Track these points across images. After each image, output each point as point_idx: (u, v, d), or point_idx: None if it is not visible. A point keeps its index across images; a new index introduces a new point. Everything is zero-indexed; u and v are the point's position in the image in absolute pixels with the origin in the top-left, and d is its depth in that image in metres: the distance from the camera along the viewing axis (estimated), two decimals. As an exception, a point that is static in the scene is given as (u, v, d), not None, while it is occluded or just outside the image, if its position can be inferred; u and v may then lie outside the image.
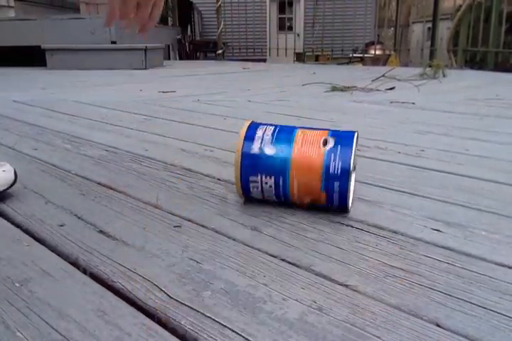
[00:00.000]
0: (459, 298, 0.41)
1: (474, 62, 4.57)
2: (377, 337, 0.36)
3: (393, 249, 0.51)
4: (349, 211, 0.61)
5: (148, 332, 0.37)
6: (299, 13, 8.29)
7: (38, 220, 0.59)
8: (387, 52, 6.31)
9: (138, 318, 0.39)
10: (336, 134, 0.61)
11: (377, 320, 0.38)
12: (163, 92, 1.92)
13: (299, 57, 6.03)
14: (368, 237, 0.54)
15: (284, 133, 0.61)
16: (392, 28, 7.04)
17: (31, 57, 3.41)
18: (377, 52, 5.75)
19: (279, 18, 7.86)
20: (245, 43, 6.24)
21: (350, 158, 0.58)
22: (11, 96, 1.77)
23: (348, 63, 5.78)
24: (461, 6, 4.72)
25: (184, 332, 0.37)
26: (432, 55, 4.77)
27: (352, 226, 0.57)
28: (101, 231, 0.55)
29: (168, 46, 5.46)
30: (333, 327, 0.37)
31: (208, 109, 1.49)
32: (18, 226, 0.57)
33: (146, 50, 3.38)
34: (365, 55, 5.95)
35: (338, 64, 5.19)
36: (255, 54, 6.09)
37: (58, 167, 0.82)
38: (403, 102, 1.63)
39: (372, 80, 2.29)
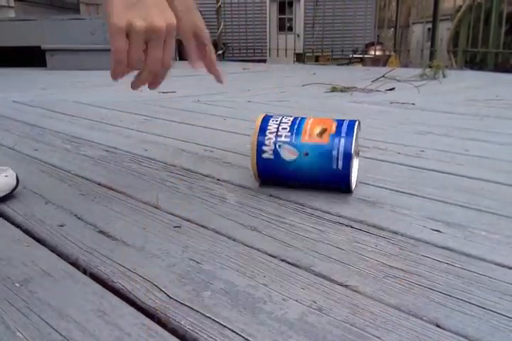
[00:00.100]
0: (458, 298, 0.41)
1: (474, 62, 4.57)
2: (377, 337, 0.36)
3: (393, 249, 0.51)
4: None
5: (148, 332, 0.37)
6: (299, 14, 8.30)
7: (38, 220, 0.59)
8: (387, 52, 6.31)
9: (138, 318, 0.39)
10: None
11: (377, 321, 0.38)
12: (163, 93, 1.92)
13: (299, 58, 6.03)
14: (368, 237, 0.54)
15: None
16: (392, 29, 7.04)
17: (31, 57, 3.41)
18: (377, 53, 5.75)
19: (279, 19, 7.87)
20: (245, 44, 6.25)
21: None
22: (10, 97, 1.77)
23: (348, 64, 5.79)
24: (461, 6, 4.73)
25: (184, 332, 0.37)
26: (432, 55, 4.77)
27: (352, 227, 0.57)
28: (101, 232, 0.55)
29: (168, 46, 5.46)
30: (333, 327, 0.37)
31: (208, 110, 1.49)
32: (18, 226, 0.57)
33: (146, 50, 3.38)
34: (365, 56, 5.96)
35: (338, 64, 5.19)
36: (255, 54, 6.09)
37: (58, 167, 0.82)
38: (403, 103, 1.63)
39: (372, 81, 2.30)
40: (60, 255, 0.50)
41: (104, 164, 0.85)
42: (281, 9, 7.69)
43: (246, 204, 0.64)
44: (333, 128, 0.67)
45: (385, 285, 0.44)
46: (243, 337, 0.36)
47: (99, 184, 0.73)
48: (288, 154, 0.67)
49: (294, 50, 6.15)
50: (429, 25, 5.40)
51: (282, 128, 0.68)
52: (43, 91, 2.07)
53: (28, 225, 0.57)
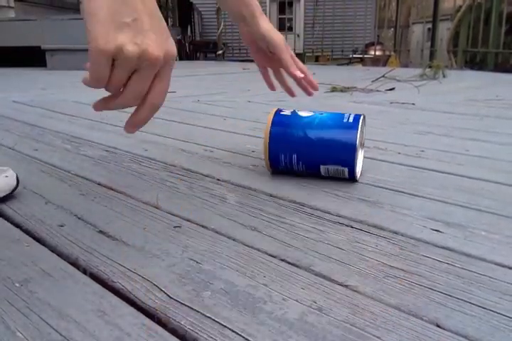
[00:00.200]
0: (458, 298, 0.41)
1: (474, 62, 4.58)
2: (377, 337, 0.36)
3: (393, 249, 0.51)
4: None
5: (148, 332, 0.37)
6: (299, 14, 8.30)
7: (37, 220, 0.59)
8: (387, 52, 6.32)
9: (138, 318, 0.39)
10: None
11: (377, 321, 0.38)
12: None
13: (299, 58, 6.01)
14: (368, 237, 0.54)
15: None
16: (392, 29, 7.04)
17: (31, 57, 3.42)
18: (377, 53, 5.75)
19: (279, 19, 7.86)
20: (245, 44, 6.24)
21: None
22: (11, 97, 1.77)
23: (348, 64, 5.79)
24: (461, 6, 4.73)
25: (184, 332, 0.37)
26: (432, 55, 4.78)
27: (352, 227, 0.57)
28: (101, 232, 0.55)
29: (168, 46, 5.46)
30: (333, 327, 0.37)
31: (208, 110, 1.49)
32: (18, 226, 0.57)
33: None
34: (365, 56, 5.96)
35: (338, 64, 5.19)
36: (255, 54, 6.09)
37: (58, 167, 0.82)
38: (403, 103, 1.63)
39: (372, 81, 2.30)
40: (60, 255, 0.50)
41: (104, 164, 0.85)
42: (281, 9, 7.68)
43: (246, 204, 0.64)
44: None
45: (386, 285, 0.44)
46: (243, 337, 0.36)
47: (99, 184, 0.73)
48: (305, 113, 0.75)
49: (294, 49, 6.13)
50: (429, 25, 5.40)
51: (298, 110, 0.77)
52: (43, 91, 2.07)
53: (28, 225, 0.57)
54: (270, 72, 0.91)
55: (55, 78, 2.82)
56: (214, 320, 0.38)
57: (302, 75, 0.82)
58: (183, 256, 0.49)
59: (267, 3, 7.85)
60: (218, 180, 0.75)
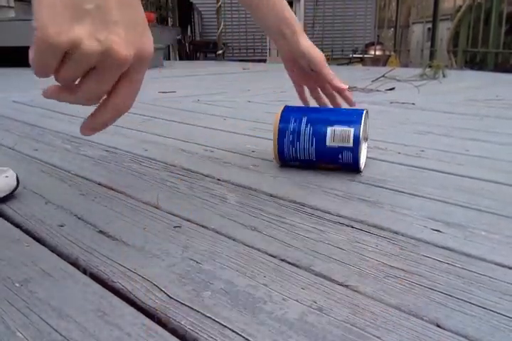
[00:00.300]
0: (458, 298, 0.41)
1: (474, 62, 4.58)
2: (378, 337, 0.36)
3: (393, 249, 0.51)
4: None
5: (148, 332, 0.37)
6: (299, 14, 8.28)
7: (38, 220, 0.59)
8: (387, 52, 6.31)
9: (138, 318, 0.39)
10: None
11: (377, 321, 0.38)
12: (163, 93, 1.92)
13: (299, 58, 6.01)
14: (368, 237, 0.54)
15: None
16: (392, 29, 7.04)
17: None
18: (377, 53, 5.75)
19: (279, 19, 7.84)
20: (245, 44, 6.25)
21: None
22: (10, 97, 1.77)
23: (348, 64, 5.79)
24: (461, 6, 4.73)
25: (184, 332, 0.37)
26: (432, 55, 4.78)
27: (352, 227, 0.57)
28: (101, 232, 0.55)
29: (168, 46, 5.46)
30: (333, 327, 0.37)
31: (208, 110, 1.49)
32: (18, 226, 0.57)
33: (146, 50, 3.38)
34: (365, 56, 5.95)
35: (338, 64, 5.19)
36: (255, 54, 6.10)
37: (58, 167, 0.82)
38: (403, 103, 1.63)
39: (372, 81, 2.30)
40: (60, 255, 0.50)
41: (104, 164, 0.85)
42: (281, 9, 7.66)
43: (246, 204, 0.64)
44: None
45: (386, 285, 0.44)
46: (243, 337, 0.36)
47: (99, 184, 0.73)
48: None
49: (294, 50, 6.13)
50: (429, 25, 5.40)
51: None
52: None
53: (28, 225, 0.57)
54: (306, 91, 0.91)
55: (55, 78, 2.81)
56: (214, 320, 0.38)
57: (346, 86, 0.83)
58: (183, 256, 0.49)
59: (267, 3, 7.83)
60: (218, 180, 0.75)
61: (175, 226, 0.57)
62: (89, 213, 0.61)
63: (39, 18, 0.33)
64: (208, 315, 0.39)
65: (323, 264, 0.47)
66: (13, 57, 3.45)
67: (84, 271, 0.46)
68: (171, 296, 0.42)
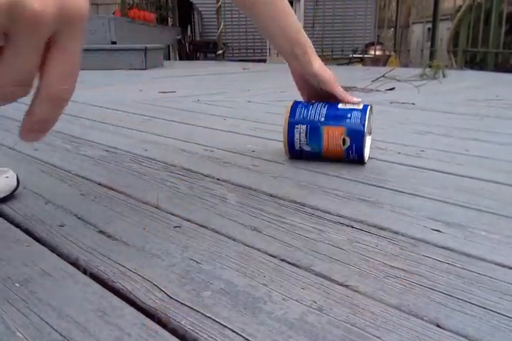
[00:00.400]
0: (459, 298, 0.41)
1: (474, 62, 4.57)
2: (378, 337, 0.36)
3: (393, 249, 0.51)
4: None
5: (148, 332, 0.37)
6: (299, 14, 8.28)
7: (38, 220, 0.59)
8: (387, 52, 6.31)
9: (138, 318, 0.39)
10: (351, 132, 0.80)
11: (377, 321, 0.38)
12: (163, 93, 1.92)
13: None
14: (369, 237, 0.54)
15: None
16: (392, 29, 7.04)
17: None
18: (377, 53, 5.75)
19: (279, 19, 7.84)
20: (245, 44, 6.25)
21: (363, 151, 0.80)
22: (11, 97, 1.77)
23: (348, 64, 5.79)
24: (461, 6, 4.73)
25: (184, 332, 0.37)
26: (432, 55, 4.78)
27: (352, 227, 0.57)
28: (101, 232, 0.55)
29: (168, 46, 5.47)
30: (333, 327, 0.37)
31: (208, 110, 1.49)
32: (18, 226, 0.57)
33: (146, 50, 3.39)
34: (365, 56, 5.96)
35: (338, 64, 5.19)
36: (255, 54, 6.10)
37: (58, 167, 0.82)
38: (403, 103, 1.63)
39: (372, 81, 2.30)
40: (60, 255, 0.50)
41: (104, 164, 0.85)
42: (281, 9, 7.66)
43: (246, 204, 0.64)
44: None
45: (386, 285, 0.44)
46: (243, 337, 0.36)
47: (99, 184, 0.73)
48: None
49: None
50: (429, 25, 5.40)
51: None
52: (43, 91, 2.07)
53: (28, 225, 0.57)
54: None
55: (55, 78, 2.81)
56: (214, 320, 0.38)
57: (359, 99, 0.85)
58: (183, 256, 0.49)
59: (267, 3, 7.83)
60: (218, 180, 0.75)
61: (175, 226, 0.57)
62: (89, 213, 0.61)
63: None
64: (207, 315, 0.39)
65: (323, 264, 0.47)
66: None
67: (85, 271, 0.46)
68: (171, 296, 0.41)
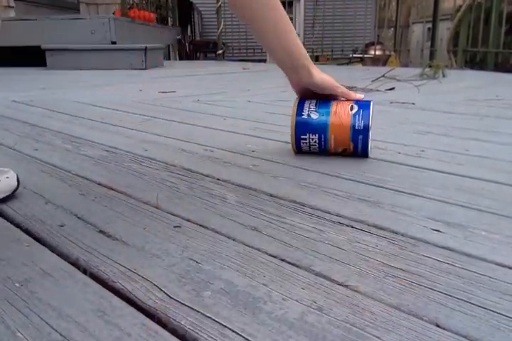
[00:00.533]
0: (458, 298, 0.41)
1: (474, 62, 4.57)
2: (377, 337, 0.36)
3: (393, 249, 0.51)
4: (368, 155, 0.87)
5: (148, 332, 0.37)
6: (299, 13, 8.29)
7: (38, 220, 0.59)
8: (387, 52, 6.31)
9: (138, 318, 0.39)
10: (358, 103, 0.87)
11: (377, 320, 0.38)
12: (163, 92, 1.92)
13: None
14: (369, 237, 0.54)
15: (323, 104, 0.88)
16: (392, 29, 7.04)
17: (31, 57, 3.41)
18: (377, 53, 5.74)
19: (279, 19, 7.83)
20: (245, 43, 6.24)
21: (369, 118, 0.85)
22: (10, 97, 1.77)
23: (348, 63, 5.78)
24: (461, 6, 4.72)
25: (184, 332, 0.37)
26: (432, 55, 4.77)
27: (352, 227, 0.57)
28: (101, 232, 0.55)
29: (168, 46, 5.46)
30: (333, 327, 0.37)
31: (208, 109, 1.49)
32: (18, 226, 0.57)
33: (146, 50, 3.38)
34: (365, 56, 5.95)
35: (338, 64, 5.19)
36: (255, 54, 6.09)
37: (58, 167, 0.82)
38: (403, 102, 1.63)
39: (372, 80, 2.29)
40: (60, 255, 0.50)
41: (104, 164, 0.85)
42: (282, 9, 7.65)
43: (246, 204, 0.64)
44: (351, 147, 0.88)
45: (386, 285, 0.44)
46: (243, 337, 0.36)
47: (99, 184, 0.73)
48: None
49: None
50: (429, 25, 5.39)
51: None
52: (43, 91, 2.07)
53: (28, 225, 0.57)
54: None
55: (55, 78, 2.82)
56: (214, 319, 0.38)
57: (362, 95, 0.90)
58: (183, 256, 0.49)
59: (267, 3, 7.82)
60: (218, 179, 0.75)
61: (175, 226, 0.57)
62: (89, 213, 0.61)
63: None
64: (207, 314, 0.39)
65: (323, 264, 0.47)
66: (13, 57, 3.45)
67: (85, 271, 0.46)
68: (171, 296, 0.42)
